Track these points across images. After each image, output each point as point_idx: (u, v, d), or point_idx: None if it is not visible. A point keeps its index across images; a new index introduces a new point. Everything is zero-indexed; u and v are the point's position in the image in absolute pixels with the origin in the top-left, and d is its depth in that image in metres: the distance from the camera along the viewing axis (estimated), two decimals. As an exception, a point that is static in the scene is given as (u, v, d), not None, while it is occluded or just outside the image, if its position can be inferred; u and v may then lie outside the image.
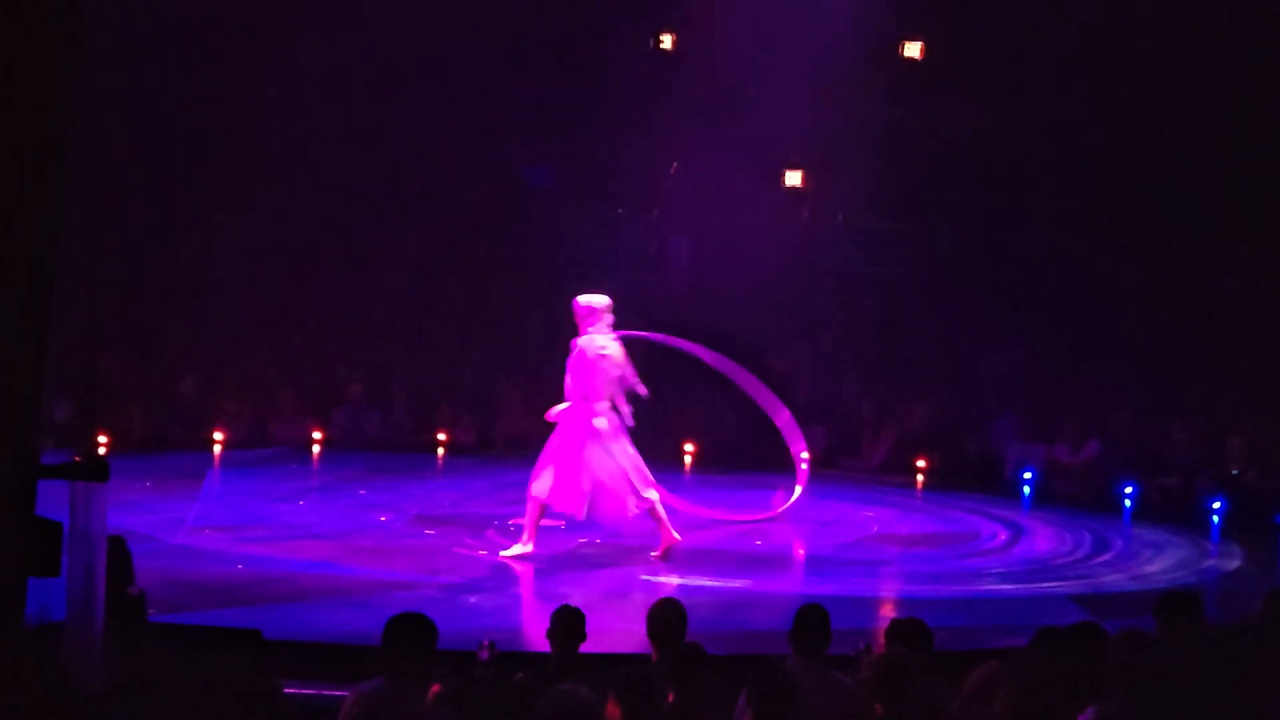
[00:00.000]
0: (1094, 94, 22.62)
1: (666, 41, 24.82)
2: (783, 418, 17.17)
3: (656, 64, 24.74)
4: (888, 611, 13.11)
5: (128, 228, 22.48)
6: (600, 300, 14.69)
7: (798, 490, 16.83)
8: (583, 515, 14.39)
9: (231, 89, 23.12)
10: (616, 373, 14.42)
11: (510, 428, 22.51)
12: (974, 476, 20.67)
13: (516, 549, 14.41)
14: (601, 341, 14.42)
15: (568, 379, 14.45)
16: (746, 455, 20.35)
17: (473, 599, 12.81)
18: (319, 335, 23.50)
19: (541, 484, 14.37)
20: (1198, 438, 20.44)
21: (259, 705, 7.09)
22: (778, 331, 23.37)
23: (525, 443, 22.12)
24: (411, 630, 7.66)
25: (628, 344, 14.73)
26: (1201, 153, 22.04)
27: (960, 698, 7.94)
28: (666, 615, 8.67)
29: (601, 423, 14.26)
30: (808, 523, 17.48)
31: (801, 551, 15.99)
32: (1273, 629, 9.00)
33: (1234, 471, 19.82)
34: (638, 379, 14.51)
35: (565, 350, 14.63)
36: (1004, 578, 14.79)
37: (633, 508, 14.35)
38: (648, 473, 14.48)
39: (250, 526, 15.57)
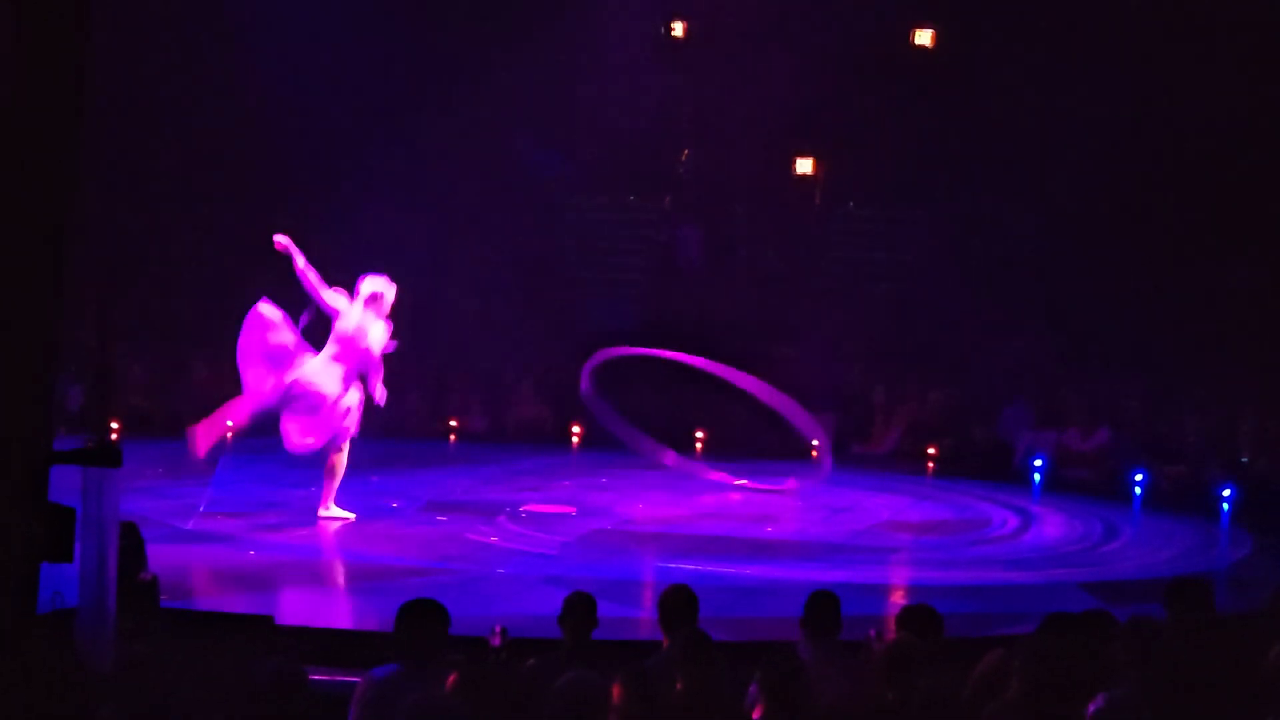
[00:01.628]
0: (1105, 83, 22.60)
1: (677, 29, 24.82)
2: (789, 408, 17.34)
3: (667, 51, 24.72)
4: (898, 598, 13.13)
5: (140, 216, 22.52)
6: (387, 288, 15.07)
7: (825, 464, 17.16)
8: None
9: (239, 79, 23.13)
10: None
11: (522, 414, 22.55)
12: (984, 463, 20.68)
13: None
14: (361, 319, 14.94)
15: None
16: (754, 442, 20.39)
17: (485, 585, 12.83)
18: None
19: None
20: (1208, 425, 20.43)
21: (285, 691, 7.12)
22: (788, 318, 23.39)
23: (537, 429, 22.22)
24: (424, 616, 7.69)
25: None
26: (1212, 140, 22.01)
27: (970, 684, 7.96)
28: (677, 602, 8.68)
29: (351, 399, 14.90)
30: (819, 509, 17.51)
31: (812, 538, 16.00)
32: (1282, 617, 9.01)
33: (1244, 459, 19.82)
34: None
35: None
36: (1014, 565, 14.80)
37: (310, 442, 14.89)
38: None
39: (262, 513, 15.60)
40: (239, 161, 23.34)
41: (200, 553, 13.62)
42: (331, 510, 15.16)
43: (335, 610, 11.97)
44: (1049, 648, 7.46)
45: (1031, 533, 16.75)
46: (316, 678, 8.59)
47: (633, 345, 20.54)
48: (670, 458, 17.14)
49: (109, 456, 6.53)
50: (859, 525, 16.62)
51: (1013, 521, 17.16)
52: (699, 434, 21.61)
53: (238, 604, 11.38)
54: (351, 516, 15.18)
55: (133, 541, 9.15)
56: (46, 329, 5.90)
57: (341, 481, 15.47)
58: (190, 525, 14.71)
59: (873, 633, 8.81)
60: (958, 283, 23.58)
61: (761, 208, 25.19)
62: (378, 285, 15.08)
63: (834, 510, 17.41)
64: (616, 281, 24.96)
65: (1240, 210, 21.94)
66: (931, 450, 21.12)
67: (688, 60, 24.44)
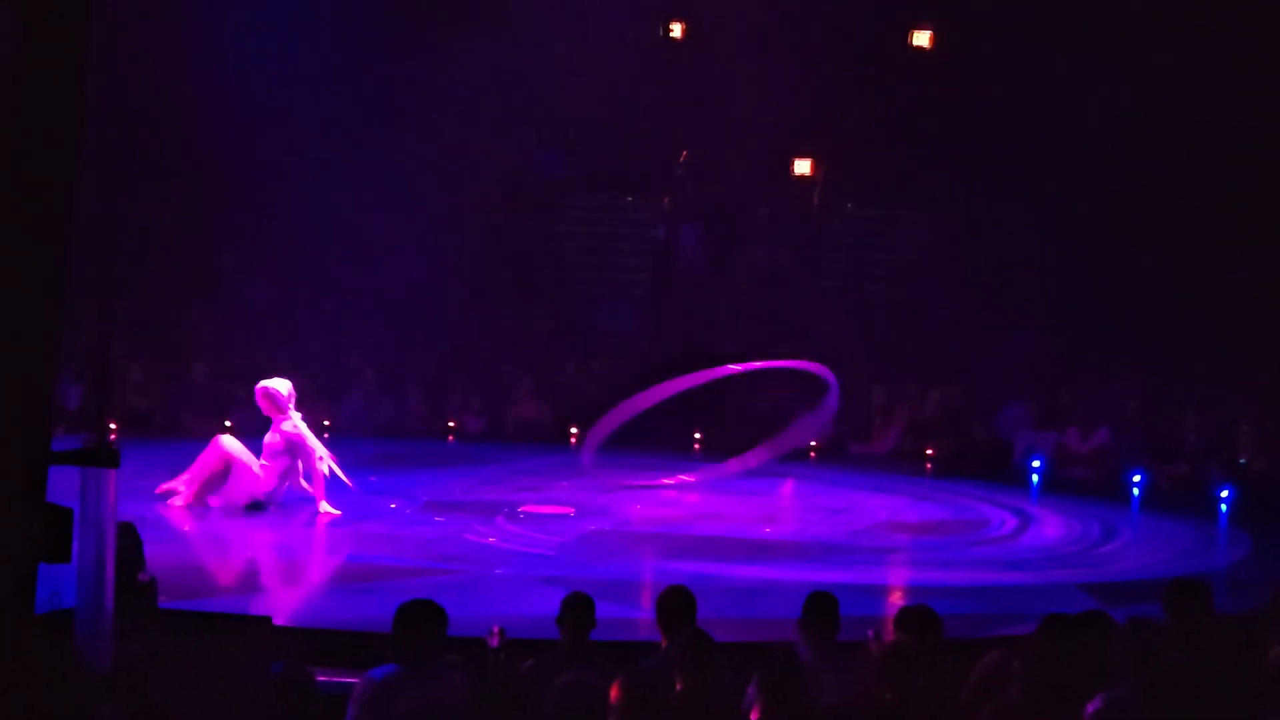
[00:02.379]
0: (1105, 83, 22.60)
1: (676, 30, 24.81)
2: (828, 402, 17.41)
3: (666, 52, 24.73)
4: (897, 599, 13.12)
5: (141, 215, 22.50)
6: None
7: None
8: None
9: (239, 78, 23.13)
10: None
11: (520, 415, 22.54)
12: (984, 464, 20.66)
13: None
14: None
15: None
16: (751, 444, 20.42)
17: (483, 586, 12.83)
18: (330, 322, 23.53)
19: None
20: (1207, 426, 20.43)
21: (292, 693, 7.12)
22: (787, 319, 23.39)
23: (535, 430, 22.21)
24: (422, 617, 7.70)
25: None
26: (1213, 137, 22.02)
27: (968, 685, 7.96)
28: (675, 602, 8.68)
29: None
30: (817, 510, 17.50)
31: (811, 539, 15.99)
32: (1281, 618, 9.01)
33: (1243, 460, 19.81)
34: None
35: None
36: (1013, 566, 14.79)
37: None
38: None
39: (261, 512, 15.58)
40: (237, 162, 23.32)
41: (198, 553, 13.61)
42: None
43: (333, 610, 11.95)
44: (1048, 649, 7.46)
45: (1030, 533, 16.74)
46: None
47: (629, 359, 20.62)
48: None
49: (107, 457, 6.53)
50: (857, 525, 16.60)
51: (1011, 522, 17.15)
52: (696, 434, 21.61)
53: (236, 605, 11.38)
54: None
55: (131, 542, 9.15)
56: (47, 329, 5.90)
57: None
58: (189, 526, 14.71)
59: (871, 633, 8.82)
60: (957, 283, 23.59)
61: (760, 208, 25.21)
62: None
63: (832, 511, 17.40)
64: (616, 281, 24.98)
65: (1240, 209, 21.94)
66: (930, 450, 21.11)
67: (686, 61, 24.43)
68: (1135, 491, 19.18)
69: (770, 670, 7.30)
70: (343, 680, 8.41)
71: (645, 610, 11.08)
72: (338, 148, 23.60)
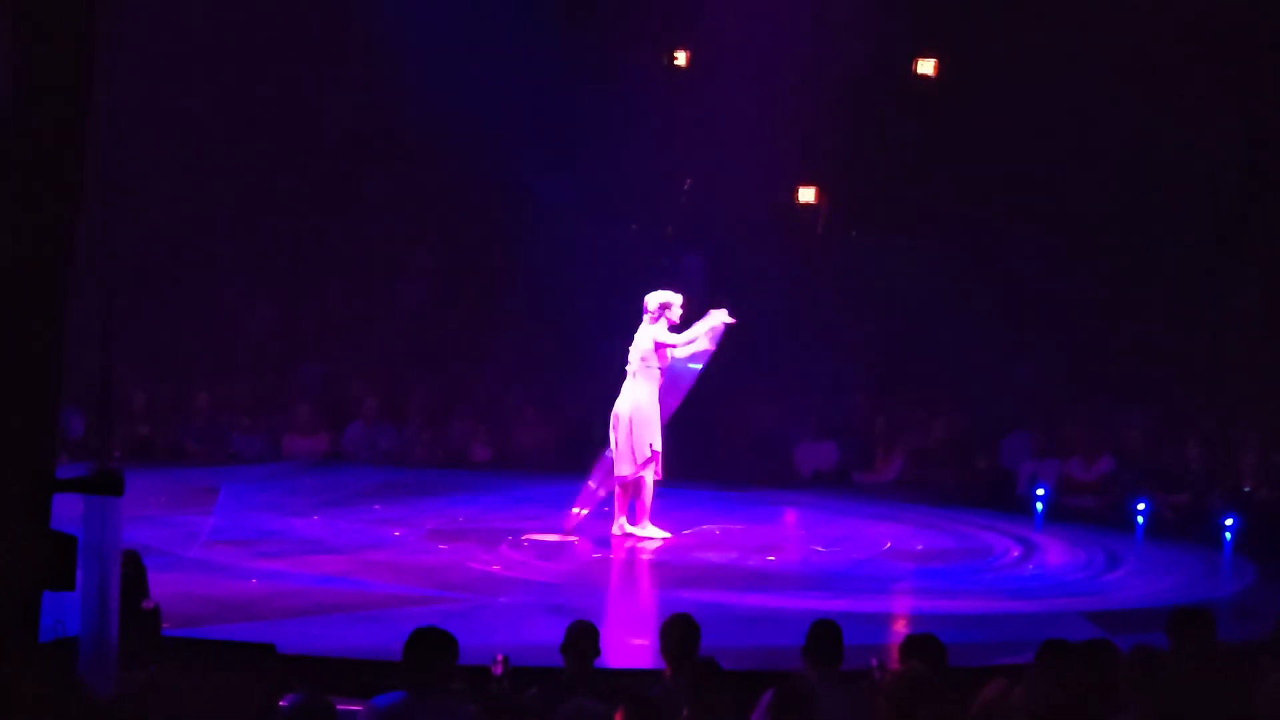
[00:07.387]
0: (1106, 108, 22.62)
1: (680, 58, 24.85)
2: None
3: (670, 80, 24.75)
4: (900, 627, 13.11)
5: (144, 243, 22.56)
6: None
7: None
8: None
9: (243, 101, 23.17)
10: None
11: (525, 442, 22.53)
12: (987, 492, 20.64)
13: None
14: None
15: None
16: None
17: (486, 614, 12.82)
18: (333, 350, 23.53)
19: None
20: (1211, 455, 20.39)
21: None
22: (790, 346, 23.38)
23: (540, 457, 22.19)
24: (433, 645, 7.70)
25: None
26: (1215, 166, 22.04)
27: (972, 714, 7.95)
28: (679, 631, 8.68)
29: None
30: (820, 538, 17.48)
31: (814, 567, 15.98)
32: (1285, 646, 9.01)
33: (1246, 489, 19.78)
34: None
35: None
36: (1016, 594, 14.78)
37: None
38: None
39: (264, 541, 15.59)
40: (244, 188, 23.37)
41: (202, 581, 13.60)
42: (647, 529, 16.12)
43: (336, 639, 11.94)
44: (1052, 677, 7.46)
45: (1034, 562, 16.72)
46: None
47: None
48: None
49: (111, 484, 6.53)
50: (861, 554, 16.59)
51: (1015, 550, 17.13)
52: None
53: (239, 632, 11.37)
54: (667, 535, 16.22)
55: (134, 570, 9.16)
56: (50, 357, 5.91)
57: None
58: (192, 553, 14.70)
59: (875, 662, 8.81)
60: (960, 311, 23.57)
61: (764, 236, 25.19)
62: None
63: (836, 539, 17.39)
64: (618, 309, 24.93)
65: (1244, 237, 21.95)
66: (934, 479, 21.09)
67: (690, 89, 24.45)
68: (1139, 520, 19.16)
69: (783, 699, 7.29)
70: (345, 708, 8.41)
71: (650, 638, 11.08)
72: (339, 173, 23.63)
